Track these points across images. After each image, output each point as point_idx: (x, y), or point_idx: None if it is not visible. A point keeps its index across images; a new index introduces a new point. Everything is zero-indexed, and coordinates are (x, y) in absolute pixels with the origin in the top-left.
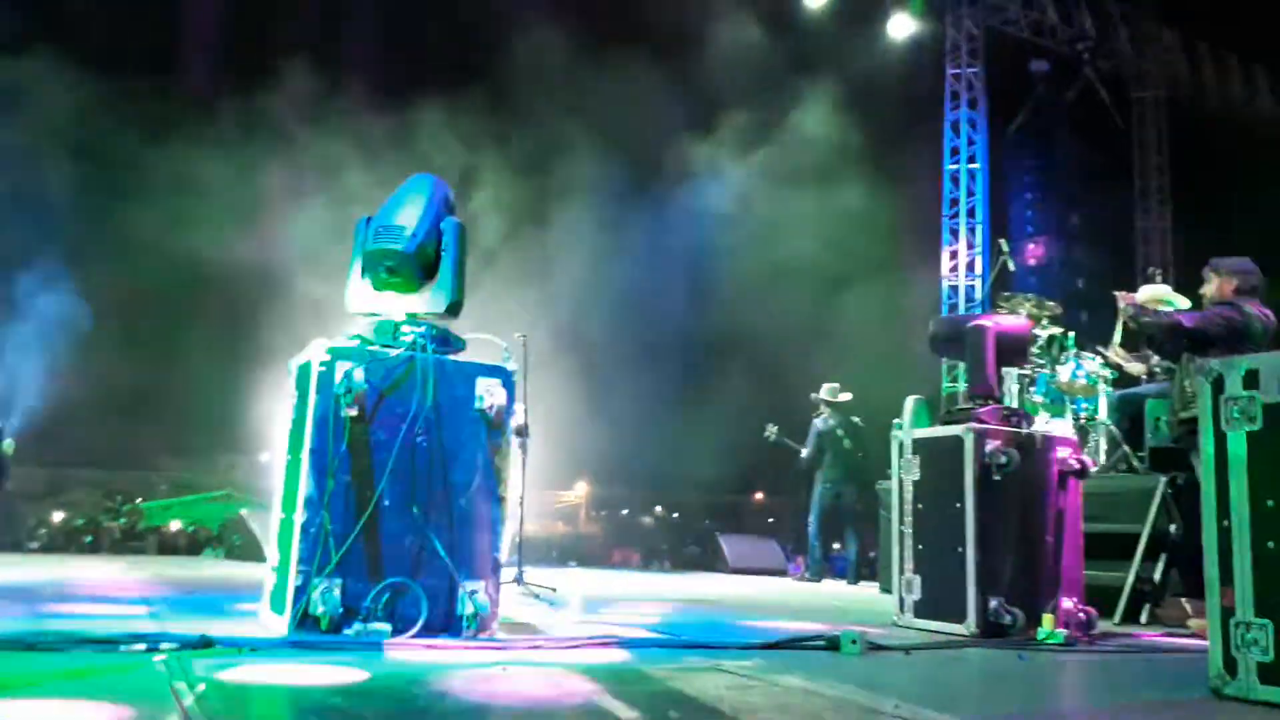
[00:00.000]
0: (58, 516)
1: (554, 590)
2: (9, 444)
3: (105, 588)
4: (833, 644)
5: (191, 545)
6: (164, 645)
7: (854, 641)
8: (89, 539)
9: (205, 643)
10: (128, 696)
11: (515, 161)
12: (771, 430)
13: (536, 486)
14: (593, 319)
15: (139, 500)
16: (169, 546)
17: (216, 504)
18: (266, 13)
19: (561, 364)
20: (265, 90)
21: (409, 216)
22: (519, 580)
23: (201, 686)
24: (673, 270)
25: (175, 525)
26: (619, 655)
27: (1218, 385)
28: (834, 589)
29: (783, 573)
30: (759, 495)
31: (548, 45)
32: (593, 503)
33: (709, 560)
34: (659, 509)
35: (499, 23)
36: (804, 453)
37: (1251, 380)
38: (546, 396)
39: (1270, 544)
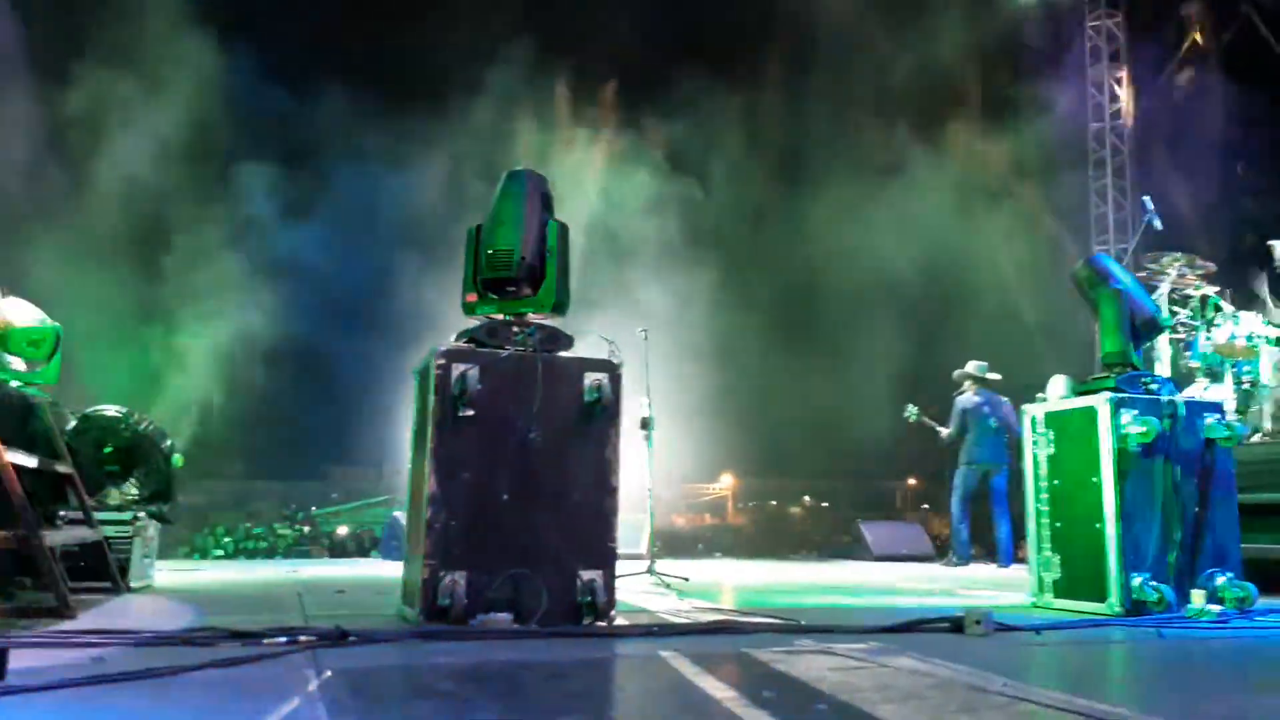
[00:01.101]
0: (242, 525)
1: (686, 580)
2: (178, 459)
3: (270, 589)
4: (956, 625)
5: (359, 548)
6: (303, 638)
7: (978, 622)
8: (265, 545)
9: (341, 635)
10: (262, 683)
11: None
12: (911, 410)
13: (681, 480)
14: (735, 310)
15: (313, 509)
16: (338, 550)
17: (380, 508)
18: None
19: (703, 357)
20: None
21: (514, 237)
22: (651, 570)
23: (328, 673)
24: (821, 251)
25: (344, 530)
26: (732, 640)
27: None
28: (982, 573)
29: (930, 558)
30: (912, 480)
31: None
32: (740, 494)
33: (856, 548)
34: (807, 499)
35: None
36: (943, 432)
37: None
38: (687, 389)
39: None
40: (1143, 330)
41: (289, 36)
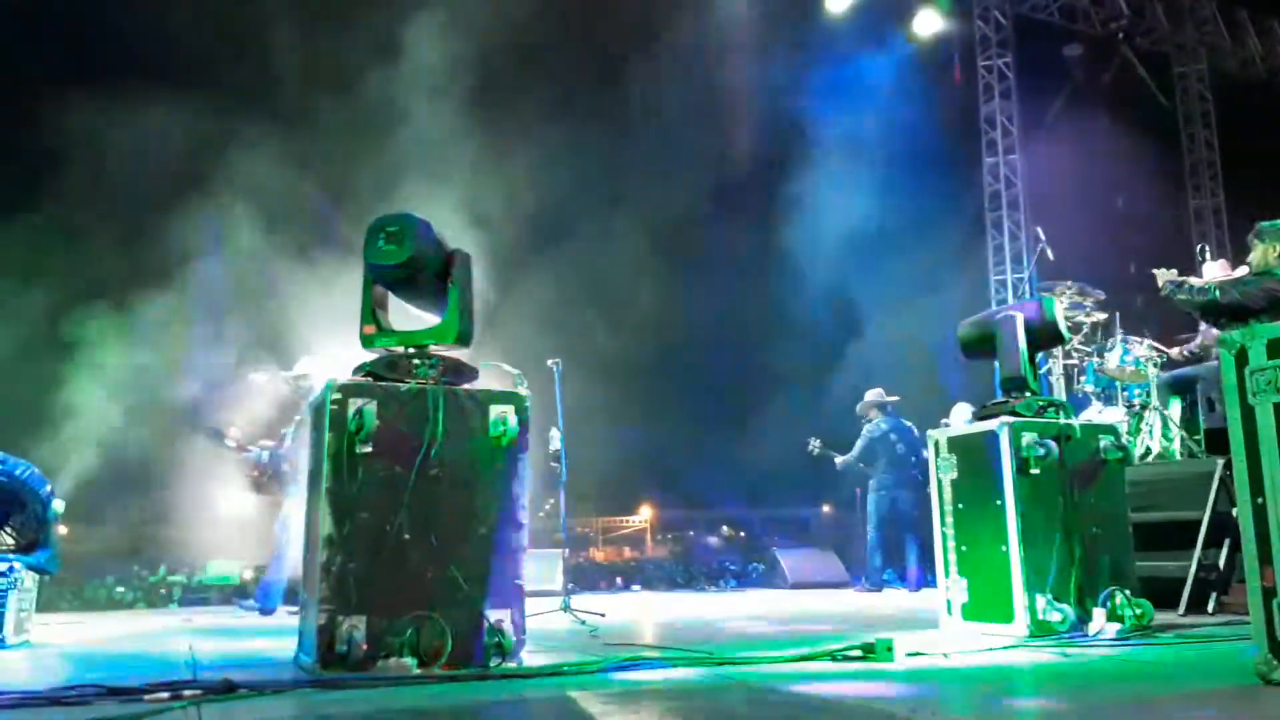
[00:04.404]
0: (139, 574)
1: (602, 615)
2: (59, 504)
3: (157, 640)
4: (868, 651)
5: None
6: (186, 692)
7: (889, 648)
8: (163, 592)
9: (228, 687)
10: None
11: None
12: (814, 444)
13: (600, 513)
14: (642, 342)
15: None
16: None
17: None
18: None
19: (615, 389)
20: None
21: (402, 228)
22: (565, 607)
23: None
24: (719, 285)
25: (248, 574)
26: (641, 675)
27: (1241, 357)
28: (894, 599)
29: (844, 585)
30: (826, 508)
31: None
32: (659, 526)
33: (772, 576)
34: (725, 529)
35: None
36: (839, 459)
37: (1276, 349)
38: (602, 422)
39: None
40: (1042, 337)
41: None
